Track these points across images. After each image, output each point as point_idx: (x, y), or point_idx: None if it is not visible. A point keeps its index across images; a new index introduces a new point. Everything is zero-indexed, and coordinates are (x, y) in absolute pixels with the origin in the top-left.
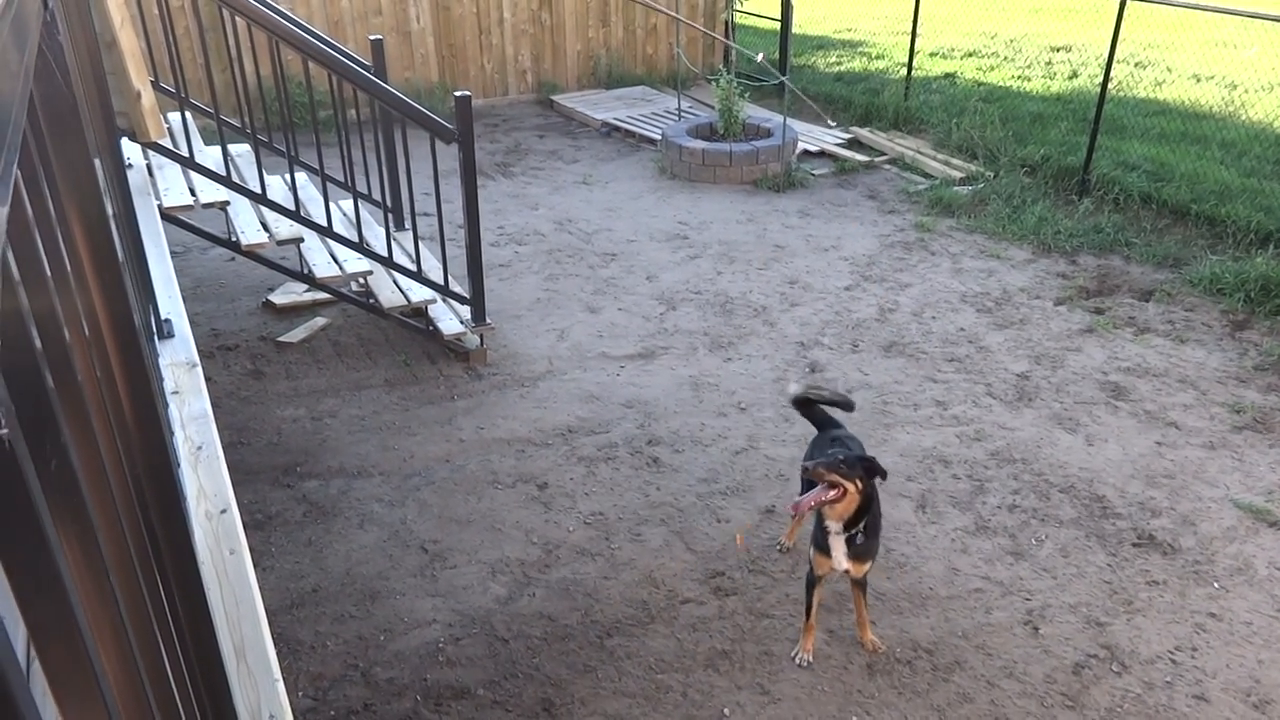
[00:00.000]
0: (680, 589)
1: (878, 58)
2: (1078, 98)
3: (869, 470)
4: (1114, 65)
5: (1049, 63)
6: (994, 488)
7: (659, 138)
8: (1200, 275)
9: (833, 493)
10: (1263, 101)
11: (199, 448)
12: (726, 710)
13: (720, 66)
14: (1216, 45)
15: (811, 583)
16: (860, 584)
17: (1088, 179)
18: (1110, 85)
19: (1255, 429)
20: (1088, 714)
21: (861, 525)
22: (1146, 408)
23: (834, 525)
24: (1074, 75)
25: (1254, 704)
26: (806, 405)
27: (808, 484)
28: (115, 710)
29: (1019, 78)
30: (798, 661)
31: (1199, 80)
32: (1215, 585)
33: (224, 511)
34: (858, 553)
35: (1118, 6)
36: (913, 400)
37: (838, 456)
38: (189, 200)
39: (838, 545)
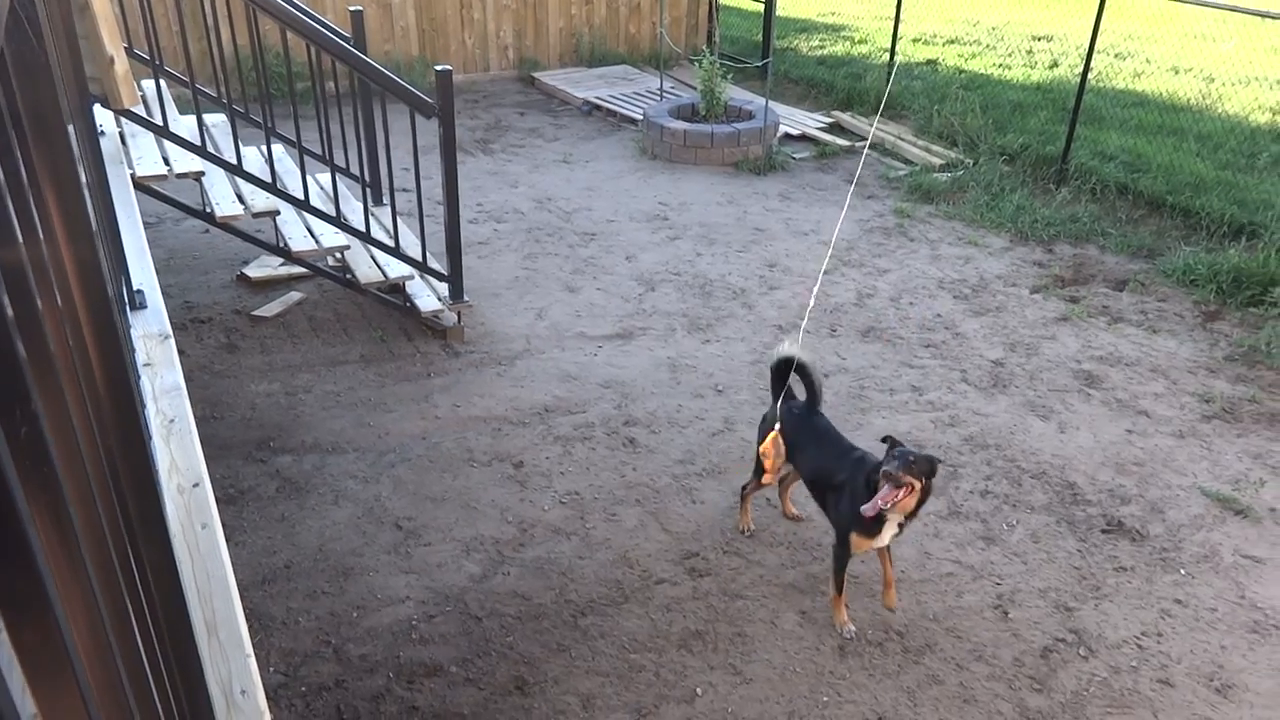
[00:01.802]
0: (654, 569)
1: (860, 42)
2: (1057, 87)
3: (931, 469)
4: (1094, 55)
5: (1030, 51)
6: (967, 473)
7: (640, 117)
8: (1174, 266)
9: (902, 491)
10: (1239, 95)
11: (171, 421)
12: (699, 690)
13: (703, 47)
14: (1195, 38)
15: (844, 561)
16: (888, 548)
17: (1066, 168)
18: (1090, 75)
19: (1224, 418)
20: (1054, 697)
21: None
22: (1118, 396)
23: (896, 517)
24: (1054, 65)
25: (1217, 688)
26: (784, 374)
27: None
28: (86, 684)
29: (1000, 66)
30: (845, 634)
31: (1177, 72)
32: (1182, 572)
33: (196, 486)
34: (899, 534)
35: None
36: (889, 385)
37: (908, 457)
38: (162, 170)
39: (889, 530)
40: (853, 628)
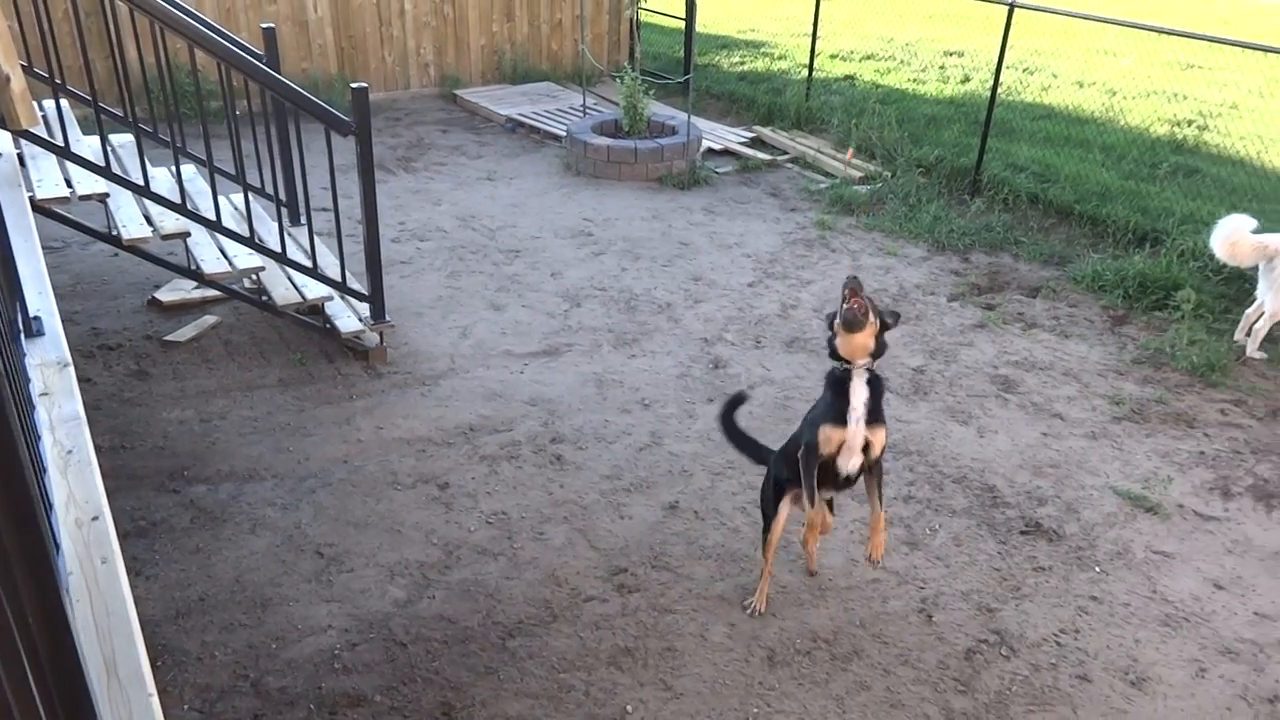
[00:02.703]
0: (583, 587)
1: (780, 58)
2: (970, 101)
3: (889, 319)
4: (1003, 70)
5: (943, 67)
6: (890, 479)
7: (564, 134)
8: (1083, 273)
9: (857, 304)
10: (1140, 107)
11: (69, 452)
12: (629, 708)
13: (625, 64)
14: (1098, 53)
15: (812, 467)
16: (877, 473)
17: (979, 179)
18: (1000, 90)
19: (1133, 419)
20: (978, 698)
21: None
22: (1034, 400)
23: (860, 362)
24: (966, 79)
25: (1131, 681)
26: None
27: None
28: None
29: (914, 81)
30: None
31: (1082, 86)
32: (1096, 569)
33: (95, 519)
34: (873, 413)
35: (1006, 13)
36: (813, 395)
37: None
38: (65, 192)
39: (859, 391)
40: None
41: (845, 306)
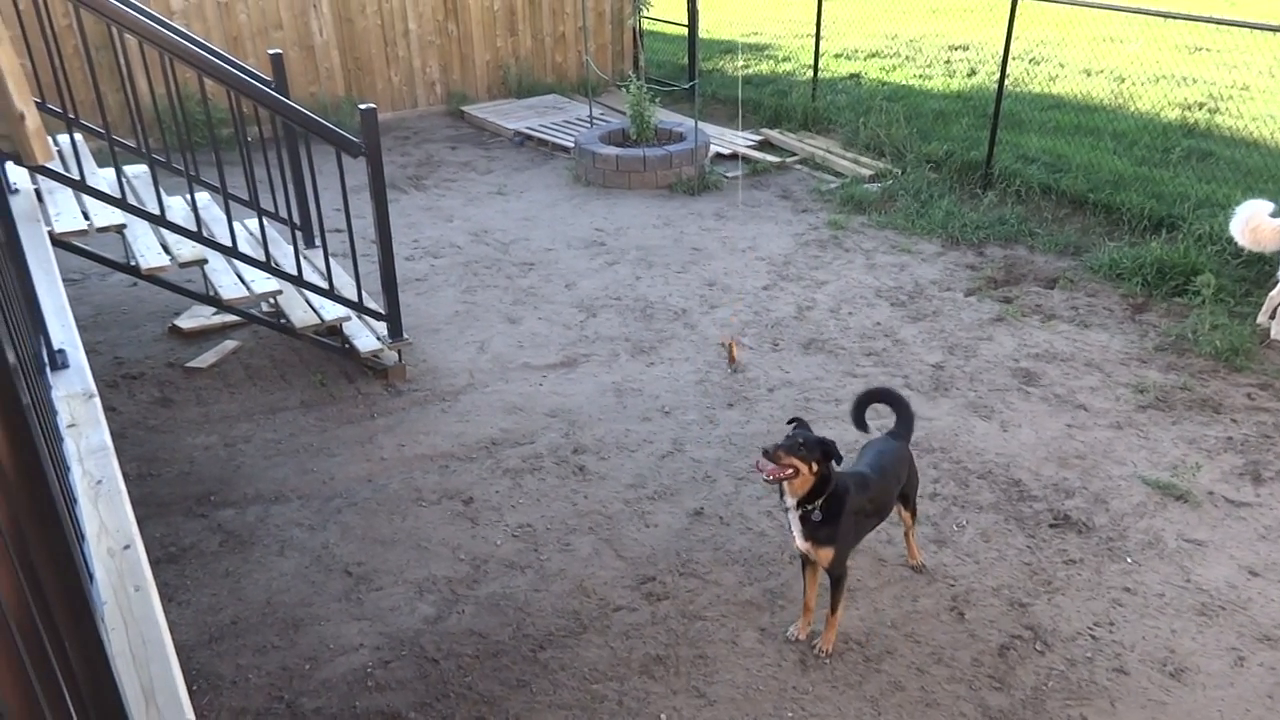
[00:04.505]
0: (612, 596)
1: (784, 60)
2: (977, 94)
3: (825, 454)
4: (1009, 62)
5: (948, 61)
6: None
7: (572, 145)
8: (1100, 262)
9: (788, 472)
10: (1149, 93)
11: (99, 482)
12: (663, 716)
13: (630, 73)
14: (1104, 40)
15: (802, 564)
16: (833, 579)
17: (990, 172)
18: (1007, 81)
19: (1158, 407)
20: (1015, 694)
21: (818, 503)
22: (1056, 391)
23: (790, 500)
24: (972, 73)
25: (1170, 673)
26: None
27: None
28: None
29: (920, 76)
30: (788, 635)
31: (1089, 74)
32: (1128, 560)
33: (127, 547)
34: (813, 534)
35: (1010, 5)
36: (834, 396)
37: (797, 439)
38: (82, 225)
39: (794, 522)
40: (797, 634)
41: (765, 467)
